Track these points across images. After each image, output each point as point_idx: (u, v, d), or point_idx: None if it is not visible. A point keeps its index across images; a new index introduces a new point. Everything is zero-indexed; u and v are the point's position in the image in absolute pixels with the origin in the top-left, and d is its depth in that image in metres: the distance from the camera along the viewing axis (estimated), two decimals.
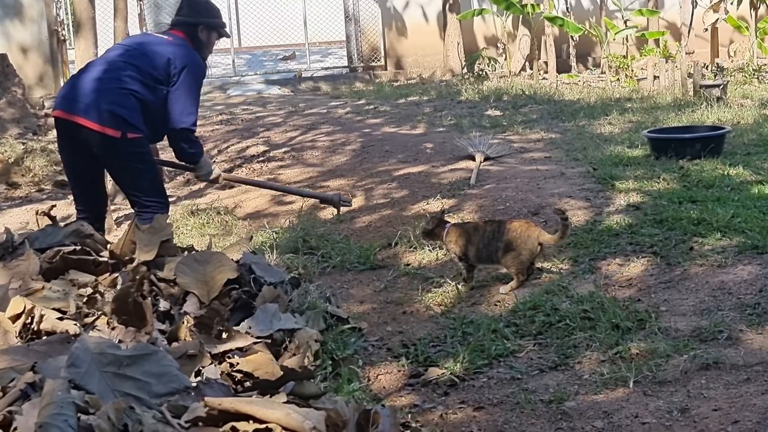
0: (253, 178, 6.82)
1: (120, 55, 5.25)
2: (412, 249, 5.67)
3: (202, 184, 8.81)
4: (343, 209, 6.23)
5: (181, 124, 5.17)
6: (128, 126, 5.00)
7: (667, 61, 14.13)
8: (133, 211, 5.34)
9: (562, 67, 16.52)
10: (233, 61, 18.34)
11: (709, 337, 3.89)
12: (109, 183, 6.10)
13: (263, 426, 2.42)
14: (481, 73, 16.42)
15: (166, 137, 5.32)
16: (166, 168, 8.88)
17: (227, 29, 5.64)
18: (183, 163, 5.59)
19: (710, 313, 4.17)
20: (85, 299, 3.46)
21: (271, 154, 9.64)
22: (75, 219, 5.14)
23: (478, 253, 4.92)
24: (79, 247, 3.91)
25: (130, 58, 5.18)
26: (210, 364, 3.12)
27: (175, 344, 3.27)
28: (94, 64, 5.33)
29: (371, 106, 12.93)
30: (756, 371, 3.54)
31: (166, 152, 6.47)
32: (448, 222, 5.16)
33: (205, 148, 10.26)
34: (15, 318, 3.14)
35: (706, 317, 4.12)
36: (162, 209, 5.14)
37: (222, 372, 3.08)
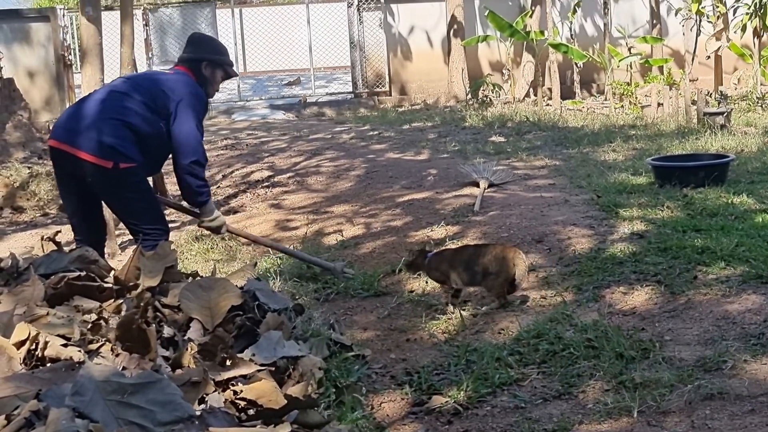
0: (262, 236, 6.51)
1: (118, 85, 5.25)
2: (416, 276, 5.67)
3: None
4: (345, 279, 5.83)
5: (188, 157, 5.12)
6: (120, 156, 4.95)
7: (671, 89, 14.17)
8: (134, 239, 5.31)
9: (566, 94, 16.58)
10: (238, 85, 18.42)
11: (713, 367, 3.88)
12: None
13: None
14: (485, 99, 16.49)
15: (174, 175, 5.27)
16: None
17: (234, 68, 5.62)
18: (188, 205, 5.51)
19: (714, 342, 4.15)
20: (89, 326, 3.46)
21: (275, 179, 9.67)
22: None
23: (460, 276, 5.05)
24: (84, 273, 3.92)
25: (128, 89, 5.17)
26: (214, 391, 3.11)
27: (178, 371, 3.26)
28: (92, 94, 5.32)
29: (375, 132, 12.97)
30: (761, 402, 3.53)
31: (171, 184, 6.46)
32: (429, 252, 5.27)
33: (209, 173, 10.36)
34: (19, 344, 3.13)
35: (711, 347, 4.11)
36: (162, 236, 5.10)
37: (226, 400, 3.07)
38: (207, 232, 7.35)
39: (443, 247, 5.76)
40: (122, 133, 4.99)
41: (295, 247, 6.67)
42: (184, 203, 5.59)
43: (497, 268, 4.97)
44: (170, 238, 5.28)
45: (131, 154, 4.99)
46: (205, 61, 5.36)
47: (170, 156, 5.25)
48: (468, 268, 5.03)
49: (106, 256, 5.61)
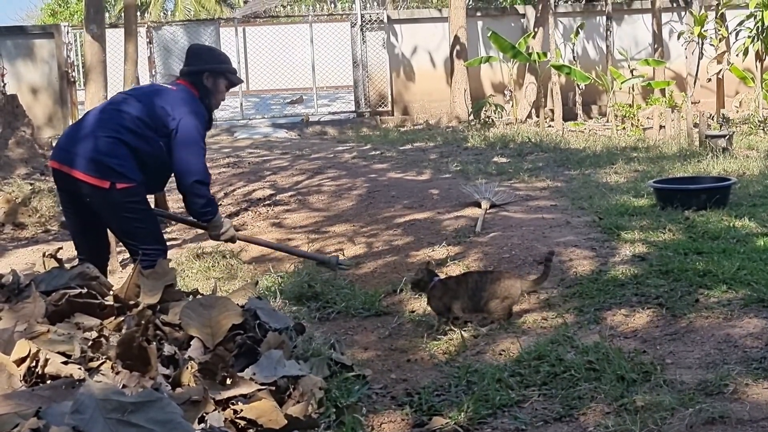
0: (262, 237, 6.52)
1: (117, 103, 5.19)
2: (417, 296, 5.66)
3: None
4: (341, 272, 6.13)
5: (190, 177, 5.08)
6: (117, 176, 4.89)
7: (672, 111, 14.20)
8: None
9: (568, 115, 16.63)
10: (241, 104, 18.47)
11: (714, 391, 3.86)
12: None
13: None
14: (487, 119, 16.54)
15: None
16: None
17: (237, 75, 5.60)
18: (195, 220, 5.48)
19: (716, 366, 4.14)
20: (90, 343, 3.45)
21: (277, 198, 9.67)
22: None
23: (464, 305, 5.07)
24: (85, 291, 3.91)
25: (126, 106, 5.12)
26: (214, 410, 3.11)
27: (178, 390, 3.26)
28: (90, 114, 5.27)
29: (377, 152, 12.99)
30: (762, 426, 3.51)
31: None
32: (437, 276, 5.25)
33: (211, 191, 10.35)
34: (20, 361, 3.13)
35: (712, 370, 4.09)
36: (160, 256, 4.99)
37: (226, 419, 3.07)
38: (208, 250, 7.37)
39: (446, 273, 5.75)
40: (119, 152, 4.93)
41: (295, 266, 6.67)
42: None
43: (503, 294, 5.03)
44: (171, 256, 5.25)
45: (128, 173, 4.93)
46: (206, 71, 5.28)
47: (173, 174, 5.23)
48: (473, 296, 5.06)
49: (108, 273, 5.59)
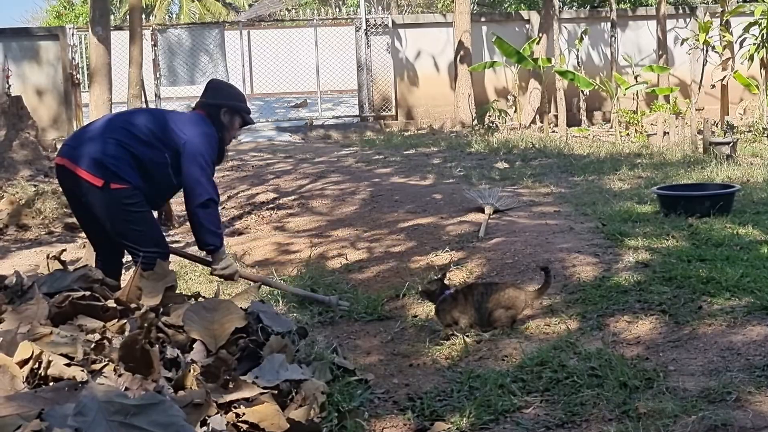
0: (264, 276, 6.23)
1: (128, 112, 5.30)
2: (419, 300, 5.67)
3: None
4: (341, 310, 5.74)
5: (197, 199, 5.04)
6: (112, 175, 4.88)
7: (677, 118, 14.20)
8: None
9: (572, 121, 16.64)
10: None
11: (717, 399, 3.86)
12: None
13: None
14: (491, 125, 16.55)
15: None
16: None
17: (251, 116, 5.54)
18: (202, 253, 5.40)
19: (719, 373, 4.13)
20: (92, 345, 3.45)
21: (280, 202, 9.68)
22: (93, 263, 5.14)
23: (471, 318, 5.08)
24: (88, 293, 3.92)
25: (138, 115, 5.19)
26: (216, 413, 3.11)
27: (181, 393, 3.26)
28: (101, 118, 5.33)
29: (381, 156, 12.98)
30: None
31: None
32: (449, 289, 5.24)
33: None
34: (22, 363, 3.13)
35: (715, 378, 4.09)
36: (160, 260, 4.89)
37: (228, 422, 3.07)
38: None
39: (449, 278, 5.74)
40: (119, 154, 4.93)
41: (299, 270, 6.67)
42: (196, 249, 5.53)
43: (507, 304, 5.06)
44: (174, 259, 5.23)
45: (125, 175, 4.91)
46: (225, 107, 5.29)
47: (178, 191, 5.25)
48: (479, 308, 5.08)
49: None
